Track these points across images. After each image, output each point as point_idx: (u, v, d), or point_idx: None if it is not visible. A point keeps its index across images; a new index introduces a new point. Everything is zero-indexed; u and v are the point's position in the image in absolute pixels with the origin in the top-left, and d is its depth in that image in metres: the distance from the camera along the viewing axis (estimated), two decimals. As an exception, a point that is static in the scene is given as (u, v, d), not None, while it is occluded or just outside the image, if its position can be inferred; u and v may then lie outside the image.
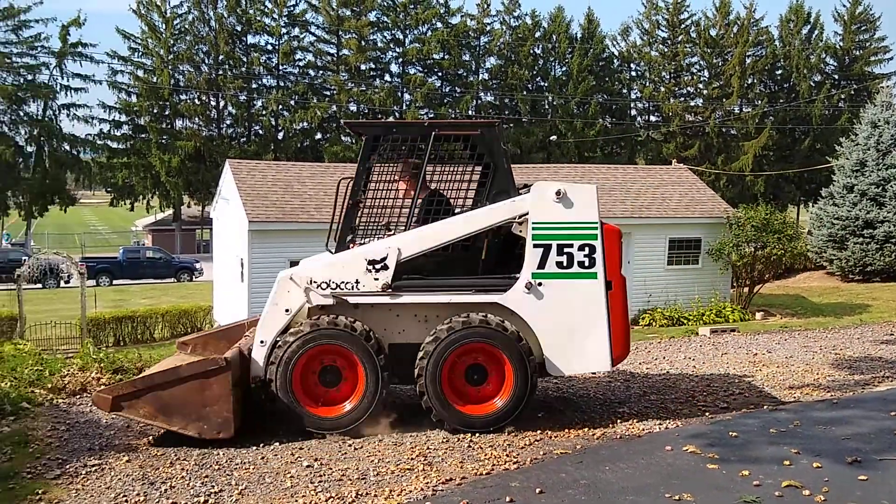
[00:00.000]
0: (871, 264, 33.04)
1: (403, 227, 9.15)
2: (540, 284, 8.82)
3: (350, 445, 8.32)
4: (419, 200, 9.30)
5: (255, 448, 8.35)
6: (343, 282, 8.95)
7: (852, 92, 62.50)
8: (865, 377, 11.65)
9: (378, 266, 8.90)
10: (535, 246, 8.82)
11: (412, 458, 7.83)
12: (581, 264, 8.84)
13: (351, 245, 9.37)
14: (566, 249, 8.84)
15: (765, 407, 9.77)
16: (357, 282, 8.92)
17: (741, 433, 8.48)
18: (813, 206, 38.41)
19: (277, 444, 8.48)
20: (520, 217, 8.89)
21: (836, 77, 64.77)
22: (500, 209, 8.94)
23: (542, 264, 8.82)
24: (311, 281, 8.97)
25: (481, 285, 8.99)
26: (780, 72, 64.86)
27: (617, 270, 9.09)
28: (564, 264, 8.83)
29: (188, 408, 8.49)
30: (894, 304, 26.53)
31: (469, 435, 8.52)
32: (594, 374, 11.15)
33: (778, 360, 13.27)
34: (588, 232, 8.86)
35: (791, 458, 7.57)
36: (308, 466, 7.66)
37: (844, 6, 64.99)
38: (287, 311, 9.05)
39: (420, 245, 8.98)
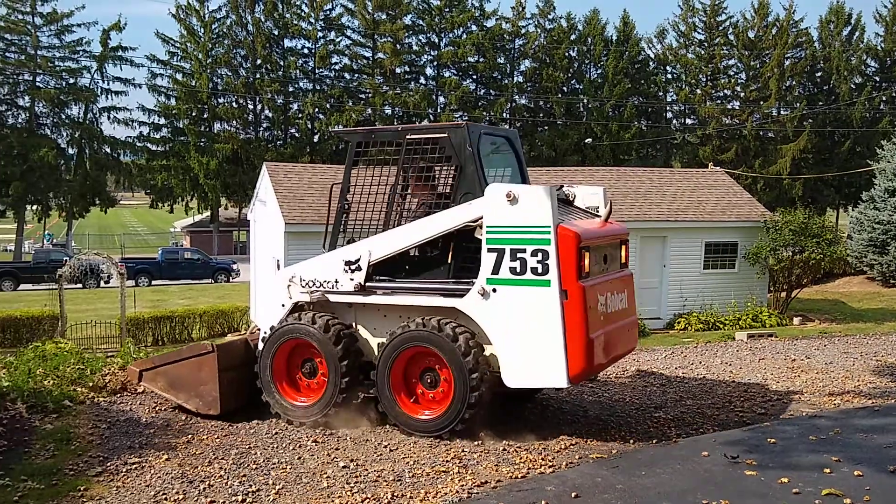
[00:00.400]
0: (913, 269, 32.47)
1: (381, 229, 9.35)
2: (494, 290, 8.51)
3: (386, 447, 8.37)
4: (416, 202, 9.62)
5: (291, 448, 8.43)
6: (325, 280, 9.44)
7: (894, 94, 61.42)
8: (907, 384, 11.47)
9: (353, 266, 9.24)
10: (489, 250, 8.56)
11: (447, 461, 7.85)
12: (534, 271, 8.35)
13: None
14: (519, 255, 8.42)
15: (804, 413, 9.66)
16: (336, 281, 9.37)
17: (780, 440, 8.40)
18: (853, 210, 37.81)
19: (313, 444, 8.55)
20: (477, 220, 8.70)
21: (878, 79, 63.66)
22: (458, 212, 8.86)
23: (496, 269, 8.52)
24: (300, 279, 9.57)
25: (447, 289, 8.92)
26: (819, 74, 63.91)
27: (573, 279, 8.31)
28: (518, 270, 8.43)
29: (189, 385, 9.64)
30: (937, 310, 26.05)
31: (504, 438, 8.53)
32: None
33: (817, 366, 13.09)
34: (540, 236, 8.36)
35: (831, 466, 7.48)
36: (344, 467, 7.72)
37: (886, 7, 63.84)
38: (283, 305, 9.72)
39: (389, 247, 9.15)
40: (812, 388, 11.14)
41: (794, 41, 62.02)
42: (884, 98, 61.66)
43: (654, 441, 8.50)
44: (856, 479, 7.14)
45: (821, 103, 62.39)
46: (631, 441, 8.50)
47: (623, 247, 9.65)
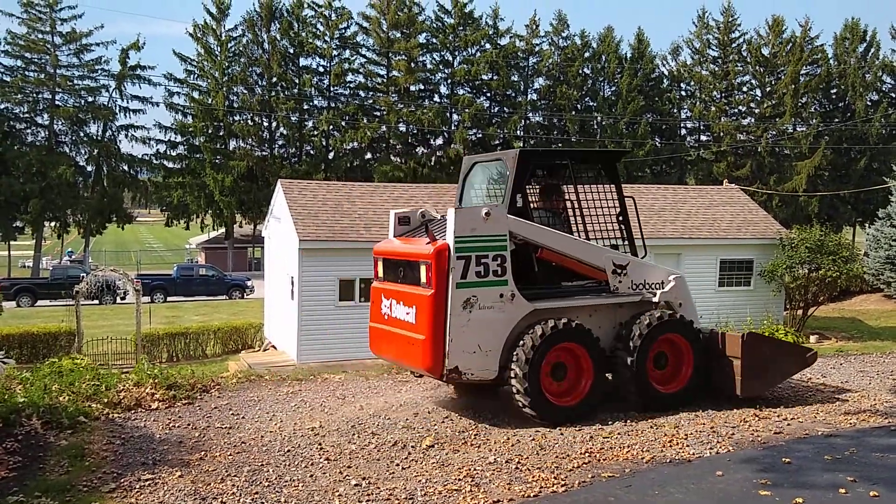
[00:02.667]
0: (930, 287, 32.19)
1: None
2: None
3: (398, 465, 8.37)
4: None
5: (304, 466, 8.44)
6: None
7: (911, 110, 61.14)
8: (926, 404, 11.35)
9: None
10: None
11: (459, 479, 7.83)
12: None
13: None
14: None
15: (819, 433, 9.57)
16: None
17: (795, 459, 8.33)
18: (870, 227, 37.55)
19: (325, 461, 8.56)
20: None
21: (894, 95, 63.41)
22: None
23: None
24: None
25: None
26: (834, 90, 63.71)
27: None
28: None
29: None
30: (955, 328, 25.81)
31: (516, 456, 8.51)
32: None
33: (833, 384, 12.99)
34: None
35: (847, 486, 7.42)
36: (356, 485, 7.72)
37: (902, 23, 63.66)
38: None
39: None
40: (828, 407, 11.04)
41: (808, 57, 61.93)
42: (900, 114, 61.36)
43: (668, 460, 8.44)
44: (872, 500, 7.09)
45: (836, 120, 62.15)
46: (644, 460, 8.44)
47: (424, 267, 10.10)
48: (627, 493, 7.36)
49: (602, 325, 10.89)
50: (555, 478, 7.82)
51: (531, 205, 11.22)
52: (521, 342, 10.01)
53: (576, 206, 11.41)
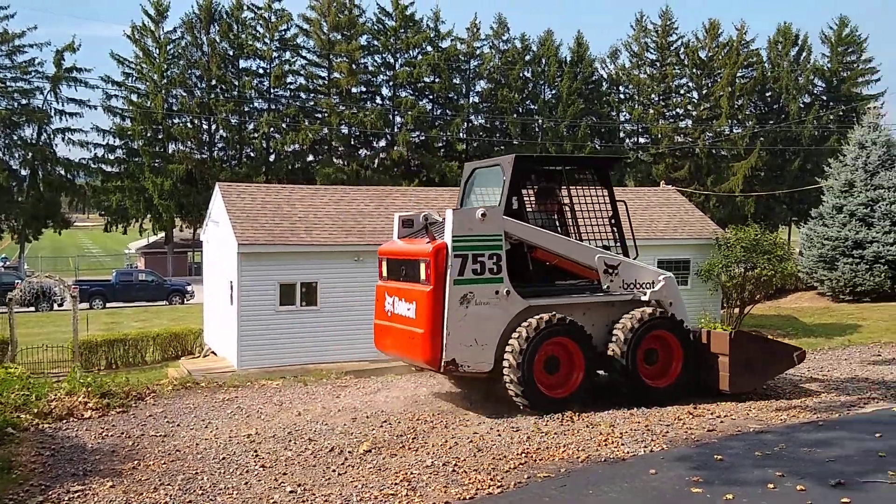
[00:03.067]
0: (860, 284, 33.16)
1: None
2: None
3: (334, 471, 8.31)
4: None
5: (239, 473, 8.33)
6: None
7: (841, 113, 62.92)
8: (852, 398, 11.68)
9: None
10: None
11: (396, 484, 7.81)
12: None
13: None
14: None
15: (751, 429, 9.78)
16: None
17: (726, 456, 8.49)
18: (803, 227, 38.56)
19: (261, 468, 8.46)
20: None
21: (825, 98, 65.25)
22: None
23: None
24: None
25: None
26: (769, 93, 65.27)
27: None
28: None
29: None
30: (884, 324, 26.62)
31: (454, 459, 8.53)
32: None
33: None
34: None
35: (775, 481, 7.58)
36: (291, 492, 7.65)
37: (832, 28, 65.63)
38: None
39: None
40: (760, 403, 11.31)
41: (744, 61, 63.34)
42: (831, 117, 63.16)
43: (603, 459, 8.54)
44: (798, 494, 7.24)
45: (771, 122, 63.71)
46: (580, 460, 8.53)
47: (424, 265, 10.81)
48: (562, 493, 7.42)
49: (595, 323, 11.49)
50: (491, 479, 7.85)
51: (527, 207, 12.03)
52: (516, 334, 10.65)
53: (570, 208, 12.25)
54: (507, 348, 10.61)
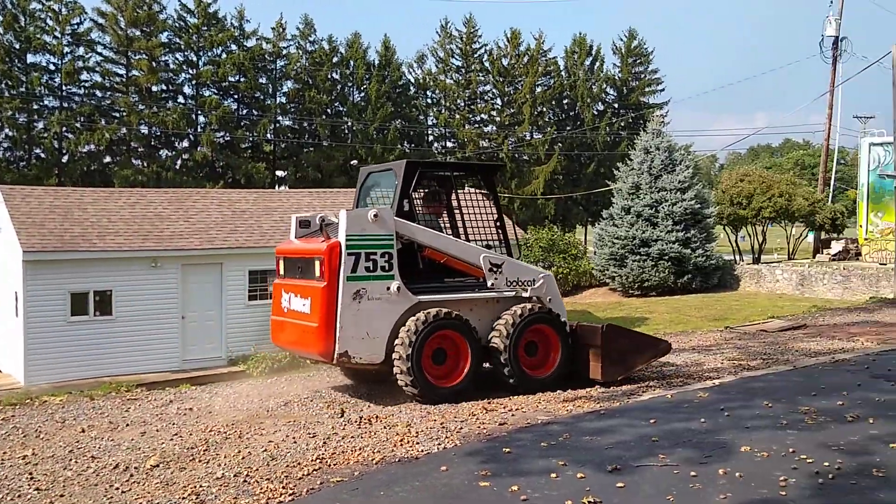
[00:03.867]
0: (647, 280, 35.51)
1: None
2: None
3: (117, 489, 7.91)
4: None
5: (10, 498, 7.75)
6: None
7: (630, 120, 67.21)
8: (631, 387, 12.47)
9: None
10: None
11: (184, 498, 7.54)
12: None
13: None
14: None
15: (539, 421, 10.20)
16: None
17: (514, 448, 8.82)
18: (596, 227, 40.80)
19: (35, 492, 7.91)
20: None
21: (616, 106, 69.43)
22: None
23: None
24: None
25: None
26: (566, 100, 68.64)
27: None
28: None
29: None
30: (668, 315, 28.68)
31: (246, 469, 8.35)
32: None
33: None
34: None
35: (557, 470, 7.94)
36: (67, 515, 7.21)
37: (622, 40, 69.97)
38: None
39: None
40: (548, 395, 11.84)
41: (543, 69, 66.25)
42: (622, 124, 67.31)
43: (397, 459, 8.64)
44: (578, 481, 7.62)
45: (568, 128, 67.03)
46: (374, 461, 8.58)
47: (318, 262, 11.44)
48: (354, 496, 7.44)
49: (481, 318, 12.37)
50: (283, 487, 7.75)
51: (418, 209, 12.62)
52: (406, 328, 11.32)
53: (458, 211, 13.13)
54: (397, 341, 11.31)
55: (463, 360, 11.80)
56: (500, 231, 13.17)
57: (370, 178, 13.66)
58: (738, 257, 42.53)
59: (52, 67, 57.25)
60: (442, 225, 13.23)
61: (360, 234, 11.27)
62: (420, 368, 11.30)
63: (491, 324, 12.33)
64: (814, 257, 42.92)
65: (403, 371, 11.22)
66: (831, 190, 49.79)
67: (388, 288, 11.41)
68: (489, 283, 12.36)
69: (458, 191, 13.43)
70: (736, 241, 43.54)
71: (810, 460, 7.96)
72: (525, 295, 12.60)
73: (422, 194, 13.28)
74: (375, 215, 11.38)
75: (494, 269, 12.36)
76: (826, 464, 7.83)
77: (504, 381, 12.23)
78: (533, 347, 12.57)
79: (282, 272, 12.57)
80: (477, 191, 13.75)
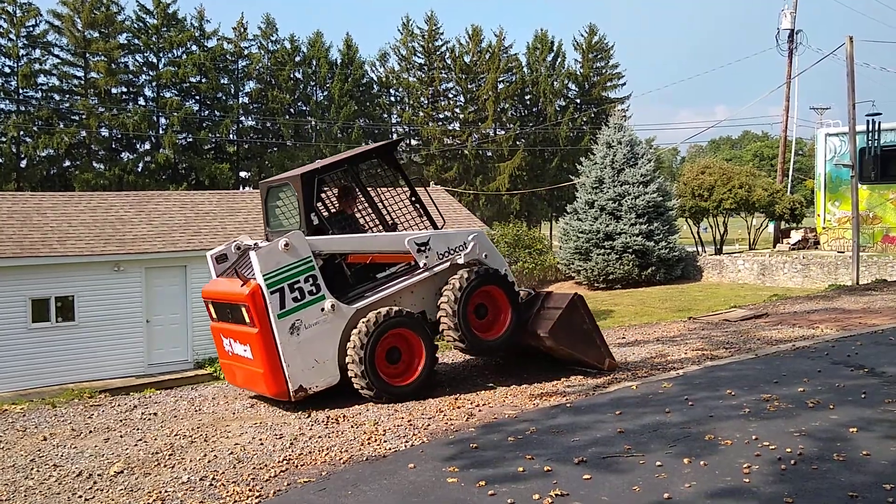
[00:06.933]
0: (612, 273, 35.82)
1: None
2: None
3: (80, 497, 7.80)
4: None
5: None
6: None
7: (592, 115, 67.71)
8: (598, 380, 12.53)
9: None
10: None
11: (149, 503, 7.47)
12: None
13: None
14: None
15: (506, 416, 10.24)
16: None
17: (482, 444, 8.85)
18: (560, 221, 41.08)
19: (-3, 503, 7.79)
20: None
21: (578, 101, 69.91)
22: None
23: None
24: None
25: None
26: (528, 97, 68.99)
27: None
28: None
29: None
30: (633, 308, 28.94)
31: (212, 473, 8.28)
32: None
33: (515, 370, 13.77)
34: None
35: (524, 465, 7.98)
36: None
37: (583, 36, 70.47)
38: None
39: None
40: (515, 390, 11.87)
41: (505, 66, 66.52)
42: (584, 119, 67.76)
43: (365, 458, 8.62)
44: (545, 475, 7.67)
45: (531, 124, 67.34)
46: (342, 461, 8.56)
47: (244, 309, 10.83)
48: (321, 497, 7.42)
49: (426, 297, 12.09)
50: (250, 490, 7.70)
51: (327, 218, 12.04)
52: (351, 342, 10.99)
53: (370, 202, 12.72)
54: (347, 358, 11.02)
55: (417, 353, 11.56)
56: (417, 206, 12.70)
57: (270, 193, 12.79)
58: (700, 248, 43.06)
59: (7, 70, 56.39)
60: (363, 221, 12.68)
61: (277, 270, 10.65)
62: (375, 371, 11.02)
63: (436, 299, 12.07)
64: (774, 247, 43.62)
65: (358, 374, 10.96)
66: (790, 180, 50.59)
67: (322, 309, 10.95)
68: (421, 264, 11.96)
69: (364, 181, 12.90)
70: (698, 233, 44.08)
71: (773, 447, 8.08)
72: (460, 262, 12.22)
73: (329, 199, 12.83)
74: (286, 245, 10.72)
75: (423, 249, 11.92)
76: (788, 450, 7.96)
77: (460, 349, 12.19)
78: (482, 310, 12.27)
79: (214, 316, 11.94)
80: (385, 172, 13.01)
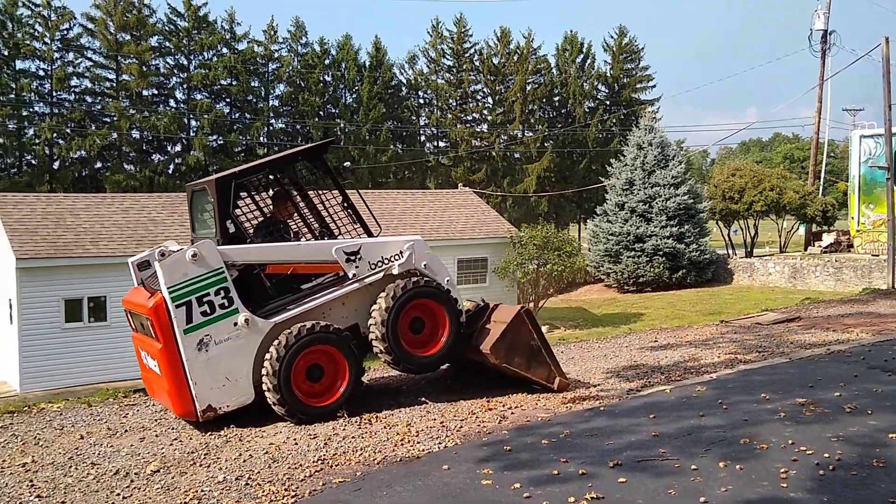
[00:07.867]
0: (642, 276, 35.63)
1: None
2: None
3: (118, 495, 7.90)
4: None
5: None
6: None
7: (622, 116, 67.35)
8: (631, 384, 12.49)
9: None
10: None
11: (186, 502, 7.54)
12: None
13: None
14: None
15: (539, 419, 10.22)
16: None
17: (516, 447, 8.83)
18: (590, 223, 40.92)
19: (37, 499, 7.89)
20: None
21: (608, 103, 69.55)
22: None
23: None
24: None
25: None
26: (557, 98, 68.75)
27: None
28: None
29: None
30: (663, 311, 28.75)
31: (247, 472, 8.34)
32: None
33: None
34: None
35: (559, 468, 7.97)
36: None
37: (612, 37, 70.11)
38: None
39: None
40: (548, 394, 11.83)
41: (534, 68, 66.39)
42: (613, 121, 67.42)
43: (398, 459, 8.65)
44: (580, 478, 7.65)
45: (560, 125, 67.13)
46: (376, 462, 8.59)
47: (150, 323, 10.05)
48: (357, 497, 7.45)
49: (359, 309, 11.14)
50: (286, 490, 7.75)
51: (245, 225, 11.29)
52: (268, 356, 10.11)
53: (297, 209, 11.89)
54: (262, 370, 10.17)
55: (340, 370, 10.65)
56: (349, 212, 11.77)
57: (195, 197, 11.87)
58: (730, 251, 42.69)
59: (41, 73, 57.14)
60: (284, 230, 11.61)
61: (183, 282, 9.82)
62: (292, 392, 10.16)
63: (368, 313, 11.14)
64: (805, 250, 43.13)
65: (274, 394, 10.13)
66: (821, 183, 50.00)
67: (235, 324, 10.08)
68: (350, 274, 10.99)
69: (291, 186, 12.03)
70: (728, 236, 43.71)
71: (810, 452, 7.99)
72: (394, 272, 11.24)
73: (252, 203, 11.99)
74: (194, 255, 9.88)
75: (352, 258, 11.00)
76: (826, 455, 7.86)
77: (389, 365, 11.34)
78: (419, 324, 11.38)
79: (132, 326, 11.16)
80: (314, 176, 12.20)
